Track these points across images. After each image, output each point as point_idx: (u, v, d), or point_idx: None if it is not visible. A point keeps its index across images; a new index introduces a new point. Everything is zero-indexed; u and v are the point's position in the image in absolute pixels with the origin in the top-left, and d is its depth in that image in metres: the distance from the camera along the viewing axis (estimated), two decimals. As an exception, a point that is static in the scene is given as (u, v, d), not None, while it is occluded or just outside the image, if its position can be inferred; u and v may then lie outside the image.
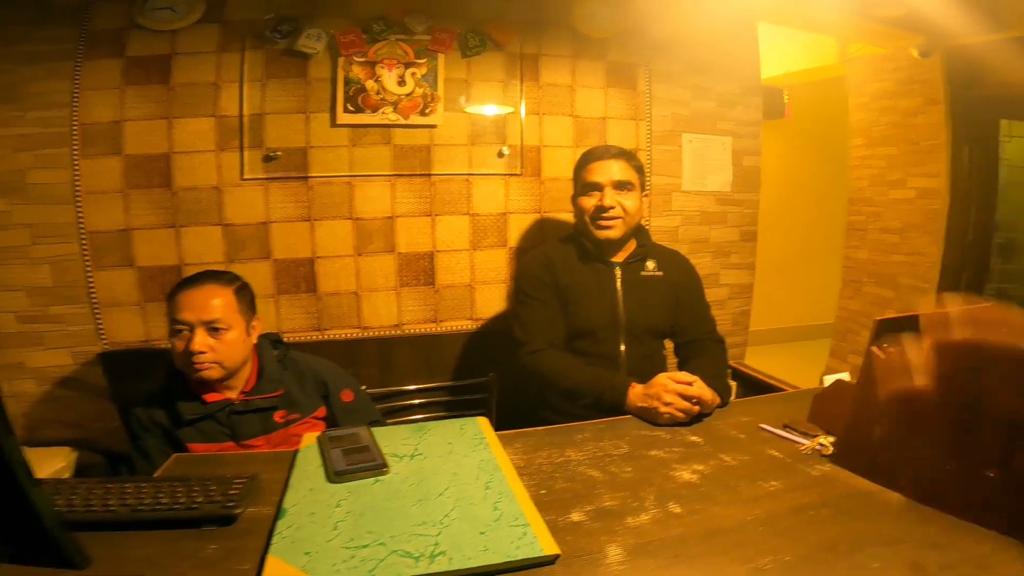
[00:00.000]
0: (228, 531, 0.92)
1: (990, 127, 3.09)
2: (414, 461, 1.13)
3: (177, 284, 1.43)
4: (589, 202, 1.71)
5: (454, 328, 2.23)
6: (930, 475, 0.95)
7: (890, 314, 1.05)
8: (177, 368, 1.42)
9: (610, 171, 1.69)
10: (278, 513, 0.94)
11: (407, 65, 2.09)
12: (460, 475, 1.07)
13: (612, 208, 1.67)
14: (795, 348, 4.87)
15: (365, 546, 0.85)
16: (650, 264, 1.76)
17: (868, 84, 3.42)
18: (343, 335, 2.13)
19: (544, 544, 0.85)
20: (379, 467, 1.08)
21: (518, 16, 2.20)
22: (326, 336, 2.11)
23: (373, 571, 0.79)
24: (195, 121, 1.95)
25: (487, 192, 2.21)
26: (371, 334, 2.15)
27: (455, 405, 2.17)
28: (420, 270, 2.17)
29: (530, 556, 0.83)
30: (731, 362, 1.77)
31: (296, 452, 1.17)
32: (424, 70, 2.10)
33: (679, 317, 1.76)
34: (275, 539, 0.87)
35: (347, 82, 2.03)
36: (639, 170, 1.74)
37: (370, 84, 2.05)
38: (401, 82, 2.08)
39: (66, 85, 1.86)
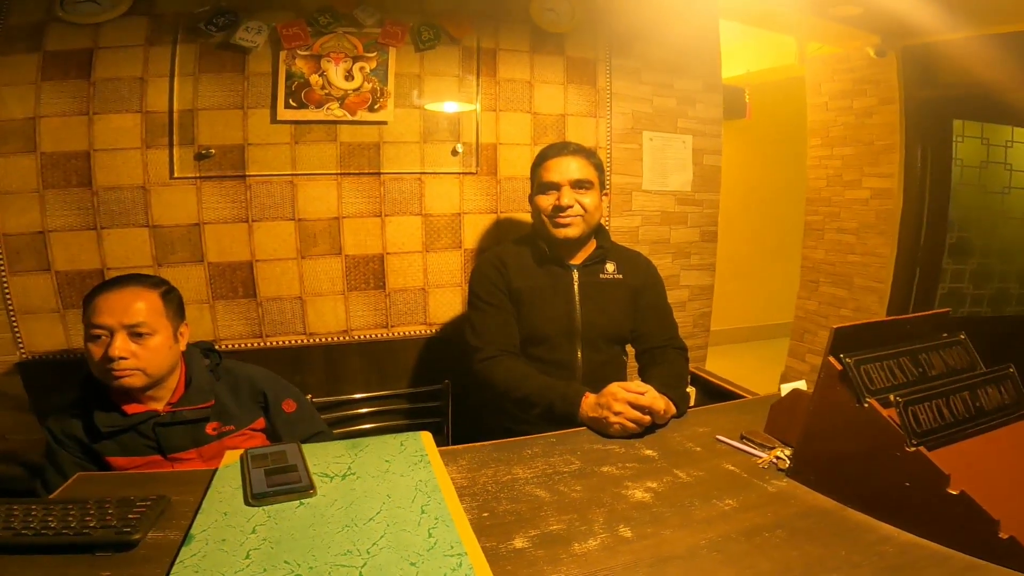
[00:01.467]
0: (125, 557, 0.84)
1: (943, 127, 3.14)
2: (345, 482, 1.04)
3: (96, 287, 1.31)
4: (547, 201, 1.64)
5: (406, 333, 2.14)
6: (887, 491, 0.91)
7: (848, 321, 1.00)
8: (94, 376, 1.31)
9: (568, 169, 1.62)
10: (185, 539, 0.86)
11: (355, 59, 1.99)
12: (395, 497, 0.99)
13: (571, 207, 1.60)
14: (754, 348, 4.92)
15: (279, 580, 0.77)
16: (609, 266, 1.70)
17: (825, 84, 3.45)
18: (287, 342, 2.02)
19: (480, 577, 0.78)
20: (304, 489, 0.99)
21: (474, 9, 2.11)
22: (268, 343, 1.99)
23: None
24: (119, 117, 1.80)
25: (440, 191, 2.12)
26: (317, 341, 2.04)
27: (408, 414, 2.09)
28: (369, 273, 2.07)
29: (462, 593, 0.76)
30: (691, 366, 1.72)
31: (215, 472, 1.07)
32: (373, 64, 2.00)
33: (639, 322, 1.70)
34: (176, 568, 0.79)
35: (289, 76, 1.92)
36: (598, 168, 1.68)
37: (314, 79, 1.94)
38: (348, 77, 1.98)
39: (-24, 82, 1.71)
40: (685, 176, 2.49)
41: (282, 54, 1.91)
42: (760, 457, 1.14)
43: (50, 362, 1.82)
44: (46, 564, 0.82)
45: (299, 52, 1.93)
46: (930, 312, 1.09)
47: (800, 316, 3.72)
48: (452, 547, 0.84)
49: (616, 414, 1.26)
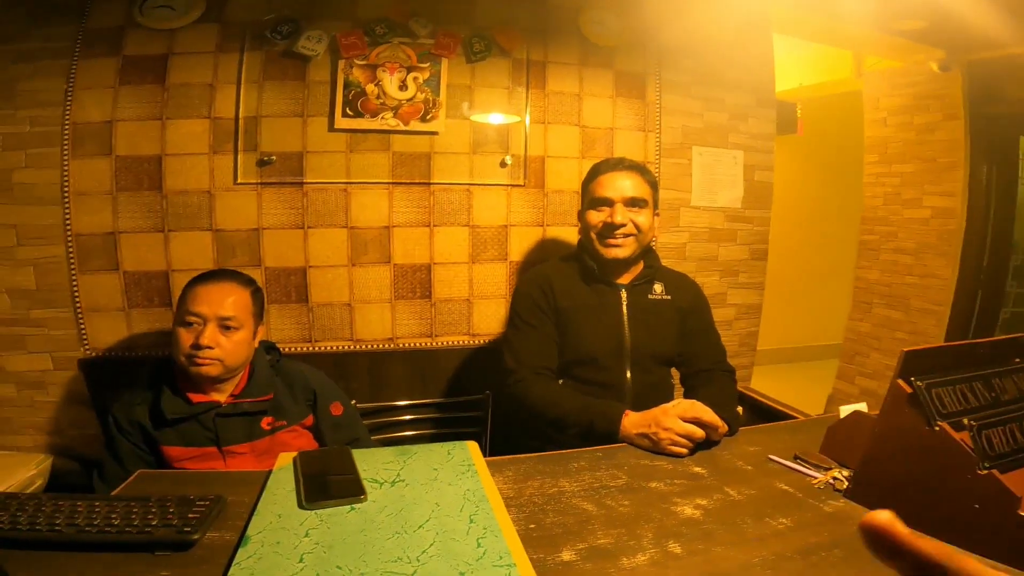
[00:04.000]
0: (183, 557, 0.85)
1: (1010, 144, 3.01)
2: (395, 488, 1.05)
3: (195, 277, 1.43)
4: (597, 217, 1.60)
5: (450, 343, 2.16)
6: (954, 514, 0.86)
7: (903, 345, 0.97)
8: (167, 363, 1.41)
9: (622, 186, 1.58)
10: (241, 540, 0.87)
11: (409, 69, 2.03)
12: (443, 505, 0.99)
13: (623, 225, 1.56)
14: (799, 369, 4.78)
15: (332, 584, 0.78)
16: (658, 287, 1.65)
17: (884, 99, 3.35)
18: (334, 347, 2.06)
19: (529, 588, 0.78)
20: (356, 494, 1.00)
21: (525, 22, 2.13)
22: (317, 348, 2.04)
23: (336, 617, 0.72)
24: (189, 123, 1.88)
25: (488, 203, 2.14)
26: (363, 347, 2.08)
27: (448, 423, 2.09)
28: (416, 282, 2.10)
29: (512, 603, 0.75)
30: (738, 385, 1.68)
31: (269, 473, 1.09)
32: (427, 74, 2.04)
33: (686, 345, 1.65)
34: (233, 569, 0.80)
35: (347, 85, 1.97)
36: (653, 186, 1.63)
37: (370, 88, 1.99)
38: (403, 87, 2.02)
39: (59, 83, 1.81)
40: (735, 192, 2.45)
41: (340, 63, 1.97)
42: (815, 477, 1.11)
43: (113, 360, 1.89)
44: (106, 561, 0.83)
45: (356, 61, 1.98)
46: (1006, 336, 1.04)
47: (851, 338, 3.59)
48: (501, 557, 0.84)
49: (666, 429, 1.23)
